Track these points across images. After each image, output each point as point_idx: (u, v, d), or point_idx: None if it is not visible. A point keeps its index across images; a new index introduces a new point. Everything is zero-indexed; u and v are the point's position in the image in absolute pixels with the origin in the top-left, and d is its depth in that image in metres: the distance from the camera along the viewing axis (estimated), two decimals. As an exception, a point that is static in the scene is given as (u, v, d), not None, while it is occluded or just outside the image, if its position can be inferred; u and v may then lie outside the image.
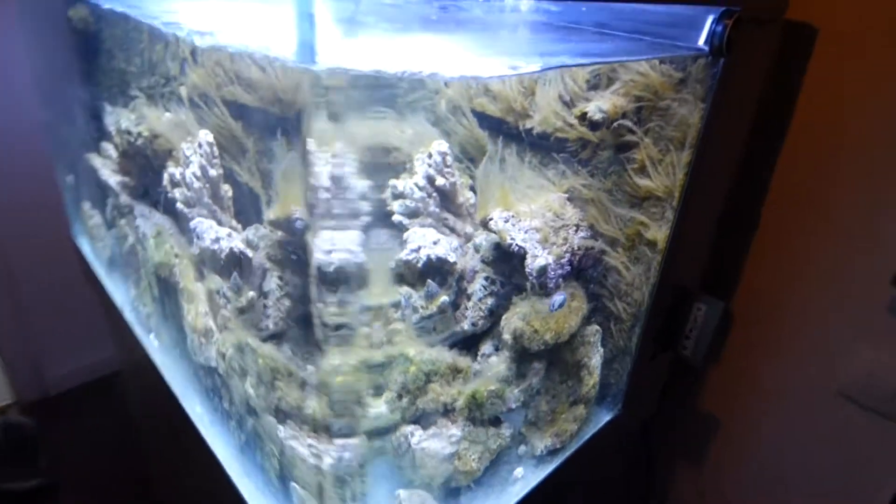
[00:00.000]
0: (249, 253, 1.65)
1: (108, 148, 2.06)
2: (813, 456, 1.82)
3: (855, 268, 1.55)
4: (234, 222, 1.86)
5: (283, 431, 1.53)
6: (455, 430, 1.45)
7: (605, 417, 1.74)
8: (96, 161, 2.09)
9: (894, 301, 1.43)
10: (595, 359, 1.66)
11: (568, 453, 1.64)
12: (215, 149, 1.74)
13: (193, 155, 1.72)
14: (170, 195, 1.84)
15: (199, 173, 1.73)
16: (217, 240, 1.67)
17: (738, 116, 1.58)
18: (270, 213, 1.65)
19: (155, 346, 2.03)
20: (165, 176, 1.83)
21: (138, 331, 2.06)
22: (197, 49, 1.65)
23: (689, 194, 1.37)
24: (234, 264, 1.69)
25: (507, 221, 1.55)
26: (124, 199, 2.02)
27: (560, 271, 1.57)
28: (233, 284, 1.68)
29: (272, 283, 1.72)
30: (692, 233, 1.58)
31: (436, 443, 1.37)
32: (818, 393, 1.74)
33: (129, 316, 2.12)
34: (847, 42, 1.47)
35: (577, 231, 1.59)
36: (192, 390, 1.82)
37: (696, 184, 1.36)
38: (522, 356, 1.56)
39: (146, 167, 1.99)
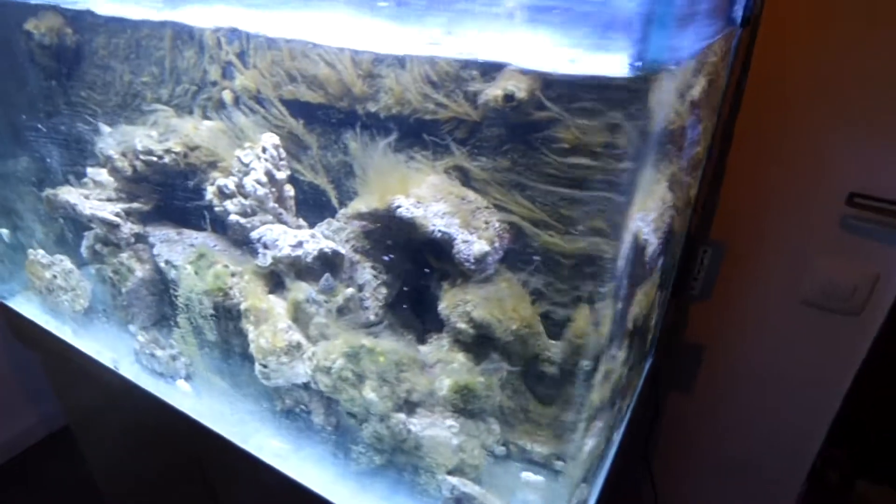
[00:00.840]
0: (342, 250, 1.61)
1: (99, 175, 1.80)
2: (784, 355, 2.31)
3: (812, 194, 2.07)
4: (300, 222, 1.76)
5: (416, 424, 1.48)
6: (452, 422, 1.46)
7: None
8: (71, 195, 1.80)
9: (846, 217, 1.97)
10: (554, 351, 1.58)
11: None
12: (282, 150, 1.67)
13: (255, 161, 1.63)
14: (217, 209, 1.68)
15: (263, 179, 1.64)
16: (299, 244, 1.59)
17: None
18: (360, 206, 1.63)
19: (184, 391, 1.76)
20: (211, 190, 1.68)
21: (149, 381, 1.77)
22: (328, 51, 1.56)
23: (710, 160, 1.74)
24: (326, 265, 1.61)
25: (417, 207, 1.50)
26: (128, 228, 1.77)
27: (497, 256, 1.52)
28: (324, 286, 1.60)
29: (366, 274, 1.67)
30: (702, 190, 1.98)
31: (438, 431, 1.42)
32: (787, 304, 2.23)
33: (131, 366, 1.81)
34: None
35: (495, 213, 1.57)
36: (262, 425, 1.63)
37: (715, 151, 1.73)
38: (478, 348, 1.55)
39: (166, 187, 1.78)
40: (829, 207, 2.06)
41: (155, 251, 1.72)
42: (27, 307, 2.11)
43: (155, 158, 1.65)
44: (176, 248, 1.71)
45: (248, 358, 1.67)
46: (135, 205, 1.77)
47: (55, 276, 1.91)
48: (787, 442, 2.37)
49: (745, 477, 2.59)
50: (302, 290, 1.55)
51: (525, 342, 1.57)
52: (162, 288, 1.82)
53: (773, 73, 1.98)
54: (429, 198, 1.59)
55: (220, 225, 1.78)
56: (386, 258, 1.70)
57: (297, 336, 1.54)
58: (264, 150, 1.64)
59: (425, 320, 1.71)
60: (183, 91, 1.74)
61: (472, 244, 1.55)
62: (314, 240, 1.60)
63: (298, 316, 1.55)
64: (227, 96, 1.74)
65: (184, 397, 1.74)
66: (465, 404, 1.42)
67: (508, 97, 1.43)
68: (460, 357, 1.53)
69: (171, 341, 1.76)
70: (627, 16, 1.02)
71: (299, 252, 1.58)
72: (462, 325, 1.52)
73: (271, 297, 1.62)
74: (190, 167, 1.69)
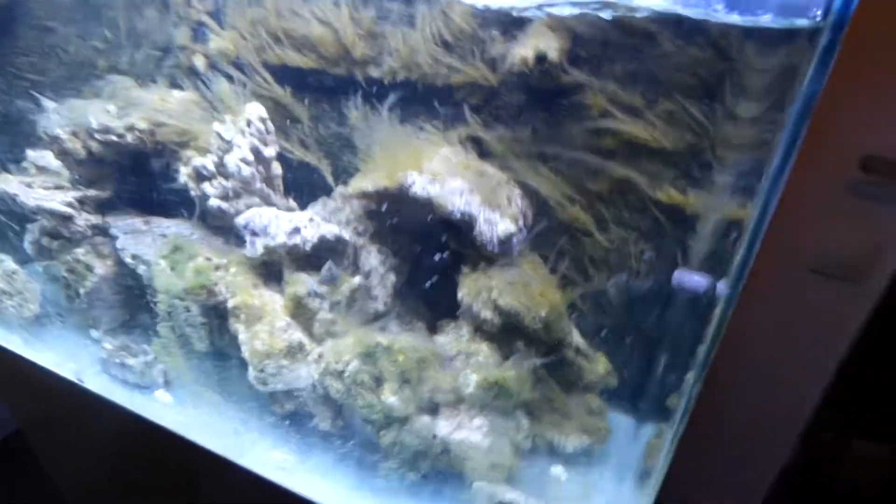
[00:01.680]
0: (345, 234, 1.43)
1: (42, 158, 1.54)
2: (790, 325, 2.31)
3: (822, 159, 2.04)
4: (290, 203, 1.56)
5: (443, 427, 1.34)
6: (479, 421, 1.33)
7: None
8: (9, 185, 1.53)
9: (857, 183, 1.95)
10: (576, 336, 1.51)
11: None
12: (269, 123, 1.46)
13: (238, 136, 1.42)
14: (194, 192, 1.46)
15: (249, 156, 1.43)
16: (296, 230, 1.40)
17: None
18: (365, 184, 1.45)
19: (164, 402, 1.55)
20: (185, 171, 1.46)
21: (121, 393, 1.54)
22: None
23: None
24: (327, 252, 1.43)
25: (433, 185, 1.34)
26: (83, 220, 1.52)
27: (522, 236, 1.39)
28: (327, 277, 1.42)
29: (372, 260, 1.49)
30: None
31: (467, 434, 1.30)
32: (789, 268, 2.22)
33: (97, 377, 1.57)
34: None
35: (516, 188, 1.45)
36: (260, 435, 1.45)
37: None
38: (504, 337, 1.42)
39: (127, 170, 1.54)
40: (842, 171, 2.04)
41: (118, 244, 1.49)
42: None
43: (114, 137, 1.41)
44: (144, 240, 1.48)
45: (238, 361, 1.47)
46: (91, 192, 1.53)
47: (-7, 281, 1.63)
48: (780, 402, 2.37)
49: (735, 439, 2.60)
50: (302, 282, 1.37)
51: (550, 328, 1.45)
52: (128, 286, 1.59)
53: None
54: (444, 173, 1.43)
55: (194, 211, 1.55)
56: (393, 241, 1.53)
57: (297, 335, 1.36)
58: (249, 123, 1.42)
59: (436, 307, 1.56)
60: (144, 57, 1.49)
61: (496, 224, 1.41)
62: (312, 224, 1.41)
63: (299, 312, 1.36)
64: (199, 61, 1.51)
65: (164, 409, 1.52)
66: (494, 401, 1.28)
67: (540, 58, 1.28)
68: (484, 348, 1.39)
69: (145, 347, 1.54)
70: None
71: (296, 239, 1.39)
72: (487, 314, 1.38)
73: (264, 291, 1.43)
74: (157, 146, 1.46)
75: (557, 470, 1.47)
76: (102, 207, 1.57)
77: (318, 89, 1.51)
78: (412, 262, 1.57)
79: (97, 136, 1.41)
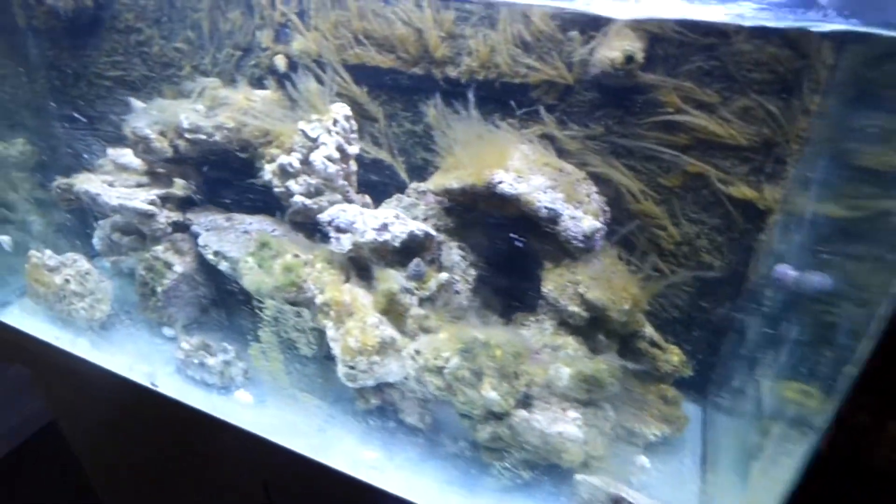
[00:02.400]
0: (433, 231, 1.45)
1: (122, 157, 1.56)
2: None
3: None
4: (366, 199, 1.59)
5: (539, 420, 1.35)
6: (574, 413, 1.35)
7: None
8: (91, 184, 1.55)
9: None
10: (649, 328, 1.55)
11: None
12: (353, 122, 1.49)
13: (324, 134, 1.45)
14: (278, 189, 1.48)
15: (335, 154, 1.47)
16: (384, 227, 1.43)
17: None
18: (448, 181, 1.48)
19: (244, 402, 1.56)
20: (270, 168, 1.49)
21: (198, 395, 1.55)
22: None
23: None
24: (415, 248, 1.45)
25: (520, 182, 1.40)
26: (164, 217, 1.55)
27: (603, 232, 1.43)
28: (414, 272, 1.44)
29: (454, 255, 1.52)
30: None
31: (564, 426, 1.31)
32: None
33: (170, 379, 1.58)
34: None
35: (592, 184, 1.50)
36: (345, 432, 1.46)
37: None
38: (588, 330, 1.46)
39: (210, 167, 1.57)
40: None
41: (200, 241, 1.51)
42: (22, 319, 1.79)
43: (204, 136, 1.44)
44: (227, 237, 1.51)
45: (323, 357, 1.49)
46: (174, 190, 1.54)
47: (68, 281, 1.64)
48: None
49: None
50: (393, 279, 1.40)
51: (629, 321, 1.48)
52: (204, 281, 1.60)
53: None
54: (525, 170, 1.47)
55: (276, 207, 1.58)
56: (473, 237, 1.56)
57: (389, 331, 1.39)
58: (335, 122, 1.46)
59: (511, 300, 1.58)
60: (226, 57, 1.51)
61: (581, 220, 1.44)
62: (400, 221, 1.44)
63: (391, 308, 1.39)
64: (280, 62, 1.54)
65: (244, 410, 1.53)
66: (589, 394, 1.31)
67: (628, 58, 1.32)
68: (571, 341, 1.42)
69: (225, 345, 1.55)
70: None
71: (386, 236, 1.42)
72: (574, 308, 1.41)
73: (351, 287, 1.45)
74: (242, 144, 1.48)
75: (641, 458, 1.49)
76: (182, 205, 1.59)
77: (394, 88, 1.55)
78: (489, 256, 1.60)
79: (186, 134, 1.44)
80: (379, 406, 1.50)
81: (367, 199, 1.63)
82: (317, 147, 1.46)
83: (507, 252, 1.56)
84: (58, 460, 2.41)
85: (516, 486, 1.39)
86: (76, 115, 1.70)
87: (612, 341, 1.51)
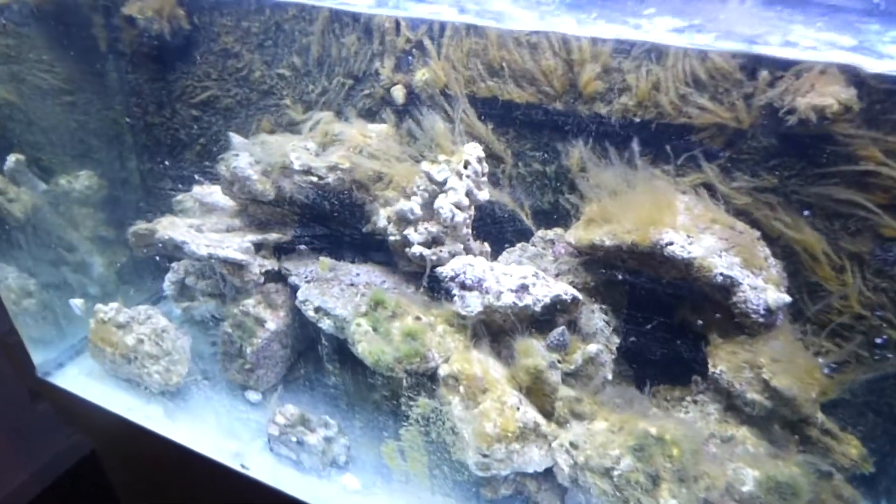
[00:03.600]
0: (579, 295, 1.25)
1: (209, 196, 1.38)
2: None
3: None
4: (484, 247, 1.40)
5: None
6: None
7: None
8: (175, 230, 1.37)
9: None
10: (820, 414, 1.31)
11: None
12: (485, 165, 1.30)
13: (454, 178, 1.26)
14: (393, 237, 1.29)
15: (464, 201, 1.27)
16: (523, 287, 1.24)
17: None
18: (598, 235, 1.28)
19: (352, 489, 1.34)
20: (386, 214, 1.29)
21: (294, 478, 1.33)
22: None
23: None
24: (560, 313, 1.25)
25: (692, 244, 1.22)
26: (257, 267, 1.35)
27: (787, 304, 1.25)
28: (557, 342, 1.24)
29: (597, 320, 1.31)
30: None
31: None
32: None
33: (260, 457, 1.36)
34: None
35: (766, 245, 1.31)
36: None
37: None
38: (763, 421, 1.25)
39: (313, 211, 1.38)
40: None
41: (300, 295, 1.32)
42: (82, 383, 1.58)
43: (315, 179, 1.25)
44: (331, 291, 1.32)
45: (440, 435, 1.28)
46: (272, 235, 1.35)
47: (141, 341, 1.45)
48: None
49: None
50: (538, 352, 1.18)
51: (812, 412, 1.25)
52: (300, 339, 1.40)
53: None
54: (692, 228, 1.26)
55: (382, 255, 1.39)
56: (613, 297, 1.35)
57: (532, 414, 1.18)
58: (466, 164, 1.27)
59: (664, 377, 1.37)
60: (337, 87, 1.33)
61: (763, 291, 1.23)
62: (542, 282, 1.23)
63: (534, 387, 1.17)
64: (398, 93, 1.36)
65: (349, 498, 1.31)
66: (779, 501, 1.08)
67: (846, 109, 1.12)
68: (745, 432, 1.20)
69: (326, 418, 1.34)
70: None
71: (527, 299, 1.22)
72: (754, 396, 1.19)
73: (480, 356, 1.24)
74: (354, 185, 1.29)
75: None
76: (280, 251, 1.39)
77: (524, 125, 1.37)
78: (633, 323, 1.39)
79: (296, 177, 1.25)
80: (508, 497, 1.29)
81: (486, 246, 1.45)
82: (444, 191, 1.26)
83: (659, 324, 1.35)
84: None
85: None
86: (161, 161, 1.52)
87: (788, 432, 1.29)
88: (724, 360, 1.23)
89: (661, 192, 1.27)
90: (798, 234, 1.29)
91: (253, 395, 1.49)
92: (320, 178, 1.28)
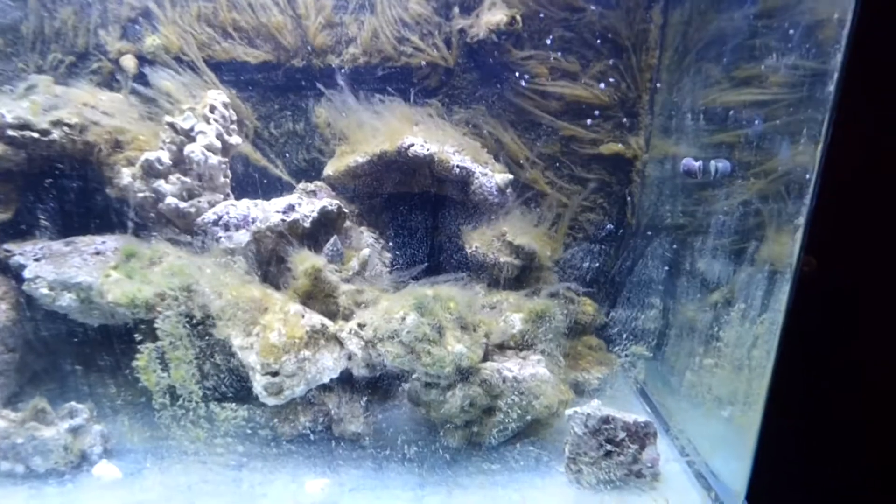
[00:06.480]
0: (342, 205, 1.36)
1: None
2: None
3: None
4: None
5: (510, 369, 1.26)
6: (535, 356, 1.35)
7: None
8: None
9: None
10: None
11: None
12: (232, 111, 1.39)
13: (201, 123, 1.33)
14: (142, 194, 1.26)
15: (216, 143, 1.34)
16: (290, 207, 1.33)
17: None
18: (354, 158, 1.43)
19: (111, 479, 1.17)
20: (129, 172, 1.30)
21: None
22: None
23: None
24: (329, 227, 1.32)
25: (430, 143, 1.57)
26: None
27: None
28: (332, 253, 1.31)
29: (367, 238, 1.39)
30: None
31: (532, 369, 1.29)
32: None
33: None
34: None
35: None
36: (271, 474, 1.19)
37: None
38: (518, 285, 1.58)
39: (38, 180, 1.27)
40: None
41: (28, 274, 1.16)
42: None
43: (35, 135, 1.17)
44: (70, 262, 1.19)
45: (232, 379, 1.20)
46: (-17, 213, 1.19)
47: None
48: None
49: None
50: (312, 257, 1.23)
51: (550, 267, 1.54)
52: (30, 334, 1.20)
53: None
54: (430, 138, 1.48)
55: (129, 225, 1.31)
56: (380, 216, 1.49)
57: (317, 318, 1.20)
58: (213, 108, 1.34)
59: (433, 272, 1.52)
60: (53, 64, 1.30)
61: (492, 176, 1.49)
62: (307, 201, 1.31)
63: (315, 289, 1.21)
64: (128, 63, 1.38)
65: (107, 490, 1.10)
66: (542, 332, 1.27)
67: (512, 20, 1.50)
68: (507, 296, 1.39)
69: (73, 405, 1.15)
70: None
71: (294, 215, 1.27)
72: (506, 259, 1.40)
73: (259, 285, 1.23)
74: (86, 148, 1.24)
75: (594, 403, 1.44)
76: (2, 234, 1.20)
77: (266, 87, 1.51)
78: (401, 239, 1.53)
79: (11, 133, 1.14)
80: (310, 425, 1.21)
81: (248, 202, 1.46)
82: (193, 137, 1.29)
83: (420, 230, 1.53)
84: None
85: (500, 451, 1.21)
86: None
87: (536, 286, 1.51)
88: (476, 240, 1.44)
89: (400, 114, 1.50)
90: (510, 146, 1.63)
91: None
92: (42, 133, 1.19)
